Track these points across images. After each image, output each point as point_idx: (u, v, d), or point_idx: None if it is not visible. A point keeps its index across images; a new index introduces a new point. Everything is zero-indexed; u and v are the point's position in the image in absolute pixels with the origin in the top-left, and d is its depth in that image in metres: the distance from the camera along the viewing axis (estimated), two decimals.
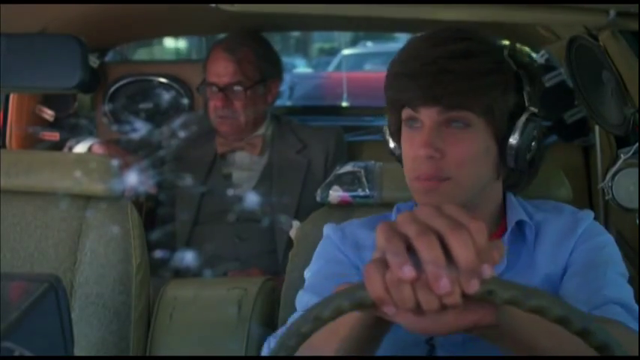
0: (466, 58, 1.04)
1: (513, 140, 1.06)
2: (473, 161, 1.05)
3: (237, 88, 1.98)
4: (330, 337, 0.81)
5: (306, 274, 1.19)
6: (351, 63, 10.08)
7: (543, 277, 1.09)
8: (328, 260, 1.16)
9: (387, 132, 1.17)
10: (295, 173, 2.02)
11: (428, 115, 1.05)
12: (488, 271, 0.66)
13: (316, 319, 0.69)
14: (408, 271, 0.65)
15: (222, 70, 1.98)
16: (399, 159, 1.14)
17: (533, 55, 2.26)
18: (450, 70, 1.02)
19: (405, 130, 1.09)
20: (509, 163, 1.08)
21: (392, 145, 1.16)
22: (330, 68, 10.59)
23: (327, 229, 1.22)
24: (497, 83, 1.04)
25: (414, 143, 1.06)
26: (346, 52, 10.84)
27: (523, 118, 1.05)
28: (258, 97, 2.02)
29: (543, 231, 1.12)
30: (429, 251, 0.65)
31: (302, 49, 13.71)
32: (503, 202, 1.16)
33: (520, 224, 1.12)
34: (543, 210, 1.16)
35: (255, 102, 2.01)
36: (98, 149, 1.93)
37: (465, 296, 0.66)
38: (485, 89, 1.03)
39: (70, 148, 1.98)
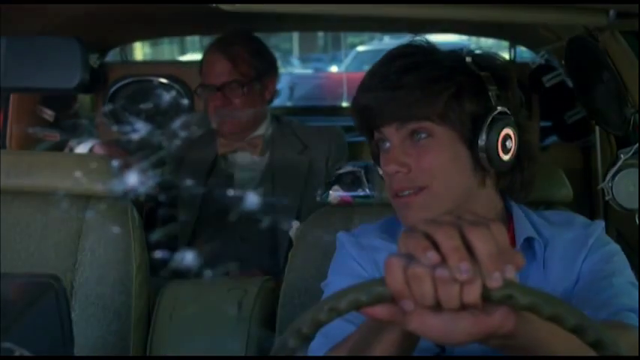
0: (413, 70, 1.07)
1: (481, 142, 1.06)
2: (444, 169, 1.07)
3: (234, 86, 1.98)
4: (358, 351, 0.82)
5: (323, 286, 1.17)
6: (366, 59, 9.76)
7: (555, 294, 1.07)
8: (346, 275, 1.14)
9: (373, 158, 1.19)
10: (297, 173, 2.02)
11: (390, 132, 1.09)
12: (510, 272, 0.65)
13: (331, 310, 0.68)
14: (432, 256, 0.65)
15: (218, 70, 1.99)
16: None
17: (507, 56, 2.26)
18: (398, 85, 1.06)
19: (380, 152, 1.13)
20: (484, 166, 1.07)
21: (379, 170, 1.17)
22: (343, 66, 10.30)
23: (342, 238, 1.20)
24: (447, 89, 1.06)
25: (384, 162, 1.10)
26: (361, 48, 10.56)
27: (488, 118, 1.06)
28: (255, 94, 2.02)
29: (553, 247, 1.11)
30: (449, 241, 0.65)
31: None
32: (507, 213, 1.14)
33: (529, 240, 1.11)
34: (553, 223, 1.14)
35: (253, 99, 2.01)
36: (99, 150, 1.93)
37: (484, 300, 0.65)
38: (436, 97, 1.06)
39: (71, 149, 1.97)
